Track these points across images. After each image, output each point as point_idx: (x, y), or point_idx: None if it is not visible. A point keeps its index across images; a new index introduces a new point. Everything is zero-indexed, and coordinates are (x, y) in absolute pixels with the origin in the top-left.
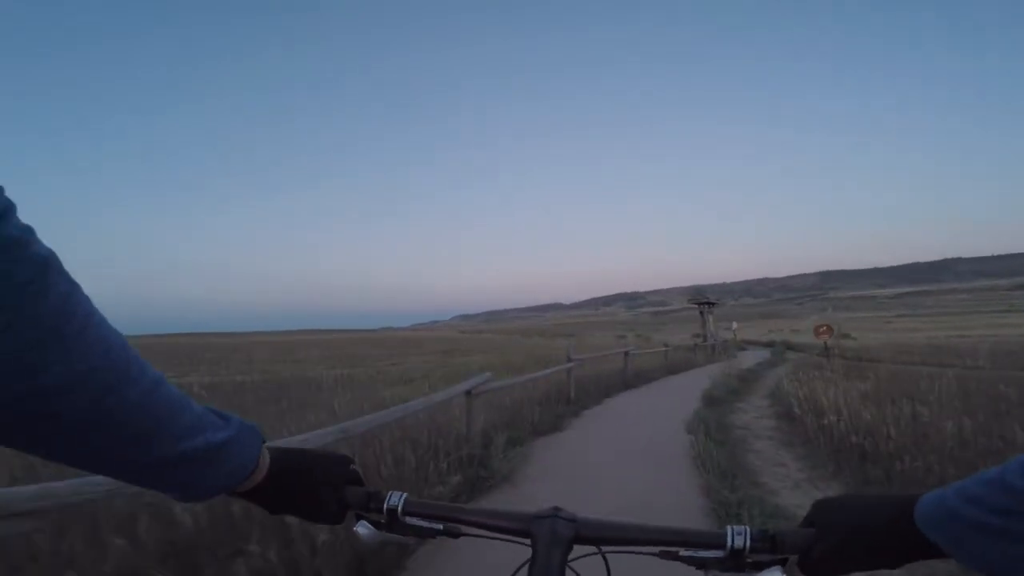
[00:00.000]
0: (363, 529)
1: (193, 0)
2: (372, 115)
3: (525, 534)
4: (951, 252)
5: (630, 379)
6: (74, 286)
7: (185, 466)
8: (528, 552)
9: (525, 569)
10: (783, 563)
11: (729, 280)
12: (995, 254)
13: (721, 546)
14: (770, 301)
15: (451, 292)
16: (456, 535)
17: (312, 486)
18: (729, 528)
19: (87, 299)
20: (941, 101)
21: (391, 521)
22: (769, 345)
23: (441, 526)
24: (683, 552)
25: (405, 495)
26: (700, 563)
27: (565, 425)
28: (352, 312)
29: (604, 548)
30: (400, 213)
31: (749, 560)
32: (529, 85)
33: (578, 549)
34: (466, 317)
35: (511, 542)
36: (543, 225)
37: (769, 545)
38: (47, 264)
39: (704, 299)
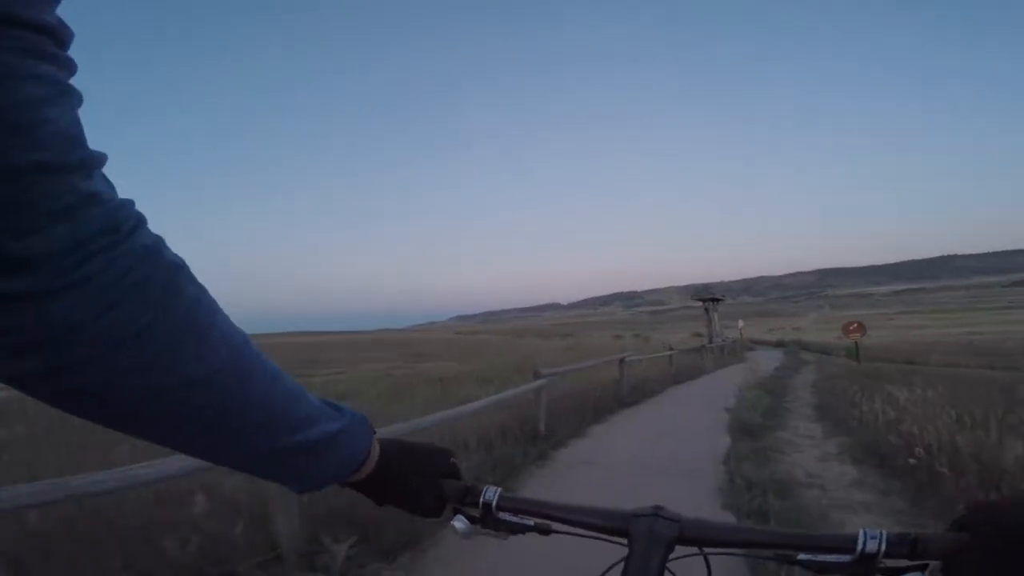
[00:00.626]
0: (459, 523)
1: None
2: (369, 114)
3: (622, 533)
4: (948, 249)
5: (626, 394)
6: (202, 289)
7: (302, 456)
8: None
9: (618, 568)
10: (923, 568)
11: (727, 279)
12: (992, 251)
13: (850, 550)
14: (768, 299)
15: (450, 292)
16: (547, 532)
17: (414, 479)
18: (862, 531)
19: (214, 300)
20: (937, 99)
21: (485, 516)
22: (779, 344)
23: (532, 523)
24: (801, 556)
25: (500, 490)
26: (821, 568)
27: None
28: (350, 313)
29: (710, 550)
30: (400, 213)
31: (881, 566)
32: (525, 83)
33: (680, 550)
34: (464, 318)
35: (606, 541)
36: (541, 225)
37: (908, 550)
38: (180, 269)
39: (709, 295)
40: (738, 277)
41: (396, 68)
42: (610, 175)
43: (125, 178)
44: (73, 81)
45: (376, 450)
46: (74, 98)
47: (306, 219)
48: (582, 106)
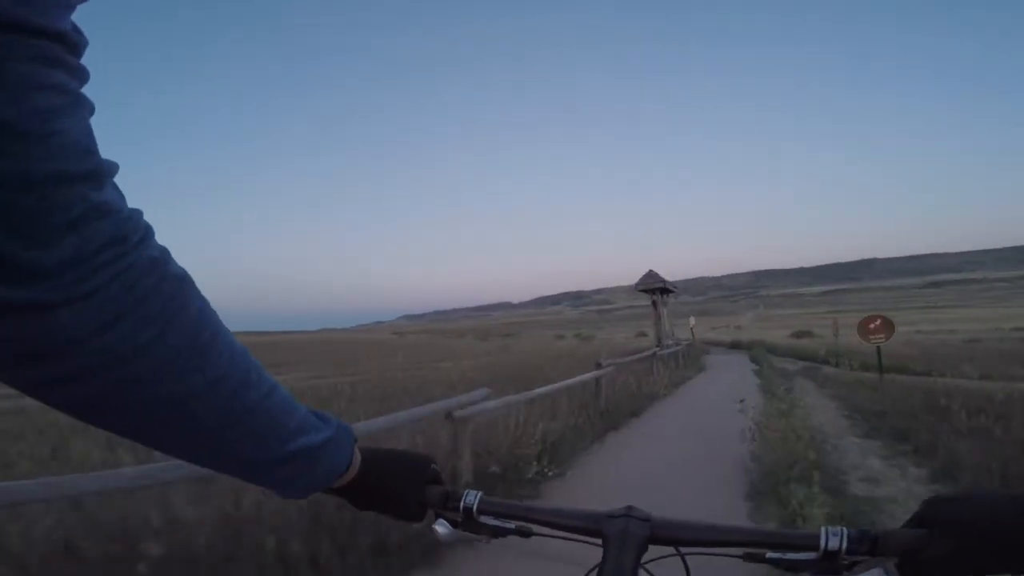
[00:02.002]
0: (441, 528)
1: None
2: (314, 106)
3: (596, 534)
4: (869, 253)
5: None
6: (205, 301)
7: (291, 465)
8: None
9: (597, 571)
10: (884, 563)
11: (670, 278)
12: (909, 255)
13: (814, 548)
14: (708, 299)
15: (398, 291)
16: (527, 535)
17: (395, 485)
18: (824, 528)
19: (215, 313)
20: (857, 112)
21: (467, 519)
22: (736, 346)
23: (513, 525)
24: (770, 554)
25: (480, 494)
26: (789, 566)
27: None
28: (293, 313)
29: (685, 549)
30: (350, 211)
31: (845, 562)
32: (477, 80)
33: (654, 550)
34: (411, 317)
35: (583, 542)
36: (493, 225)
37: (869, 546)
38: (184, 281)
39: (657, 283)
40: (680, 277)
41: (343, 61)
42: (561, 176)
43: None
44: (84, 90)
45: (358, 458)
46: (86, 107)
47: (248, 214)
48: (534, 106)
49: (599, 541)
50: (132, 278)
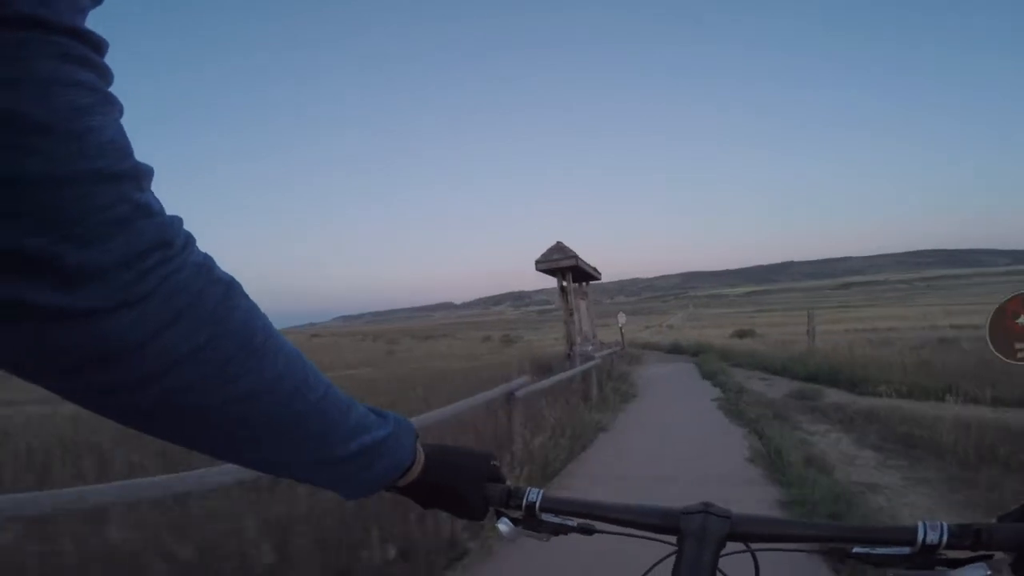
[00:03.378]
0: (504, 526)
1: None
2: (244, 100)
3: (672, 531)
4: (787, 256)
5: None
6: (254, 305)
7: (353, 464)
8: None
9: (665, 565)
10: (987, 559)
11: (605, 279)
12: (822, 258)
13: (910, 542)
14: (640, 299)
15: (335, 292)
16: (590, 532)
17: (458, 483)
18: (921, 522)
19: (265, 316)
20: (780, 123)
21: (528, 517)
22: (676, 350)
23: (575, 523)
24: (856, 549)
25: (543, 492)
26: (879, 561)
27: None
28: None
29: (761, 546)
30: (282, 208)
31: (942, 557)
32: (416, 77)
33: (730, 546)
34: (348, 318)
35: (654, 540)
36: (436, 225)
37: (972, 541)
38: (231, 285)
39: (566, 259)
40: (615, 279)
41: (270, 53)
42: (503, 177)
43: None
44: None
45: (421, 455)
46: (116, 107)
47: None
48: (475, 106)
49: (672, 539)
50: (181, 282)
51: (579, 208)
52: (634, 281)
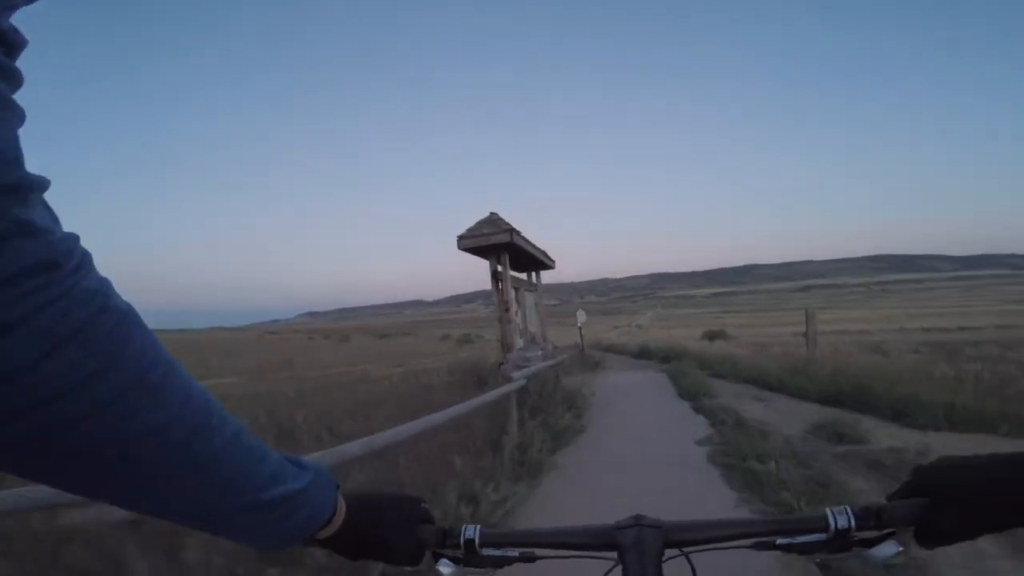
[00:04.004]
0: (444, 568)
1: None
2: (213, 93)
3: (610, 547)
4: (751, 259)
5: None
6: (152, 336)
7: (265, 515)
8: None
9: None
10: (892, 535)
11: (576, 280)
12: (784, 261)
13: (823, 529)
14: (610, 300)
15: (303, 287)
16: (532, 559)
17: (387, 529)
18: (828, 510)
19: (165, 348)
20: (741, 130)
21: (468, 554)
22: (644, 354)
23: (517, 553)
24: (780, 541)
25: (479, 527)
26: (802, 549)
27: None
28: (177, 309)
29: (695, 548)
30: (250, 202)
31: (856, 538)
32: (384, 72)
33: (668, 552)
34: (315, 314)
35: (595, 559)
36: (410, 222)
37: (875, 521)
38: (127, 314)
39: (499, 234)
40: (586, 279)
41: (244, 42)
42: (476, 174)
43: None
44: (17, 96)
45: (342, 505)
46: (15, 114)
47: (141, 204)
48: (447, 99)
49: (613, 555)
50: (65, 307)
51: (551, 206)
52: (604, 281)
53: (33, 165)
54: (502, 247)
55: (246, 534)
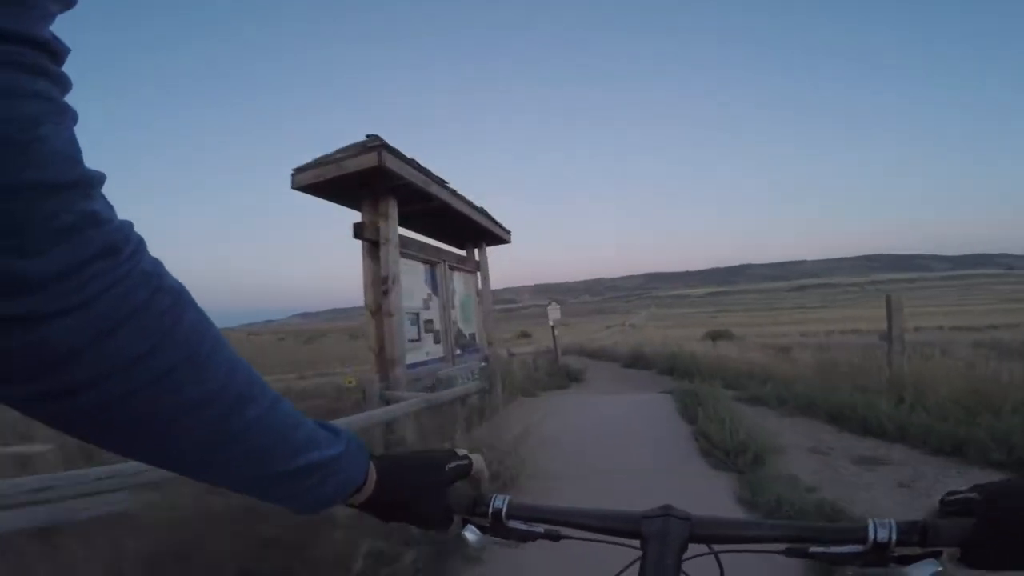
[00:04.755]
0: (470, 534)
1: None
2: (215, 84)
3: (634, 535)
4: (745, 259)
5: None
6: (202, 314)
7: (301, 480)
8: (633, 552)
9: (633, 569)
10: (937, 555)
11: (571, 279)
12: (779, 261)
13: (862, 540)
14: (604, 299)
15: (297, 288)
16: (556, 538)
17: (416, 494)
18: (871, 521)
19: (213, 324)
20: (736, 127)
21: (495, 524)
22: (638, 362)
23: (542, 529)
24: (813, 549)
25: (509, 498)
26: (835, 560)
27: None
28: None
29: (721, 547)
30: (237, 200)
31: (894, 554)
32: (382, 64)
33: (692, 548)
34: (307, 315)
35: (618, 544)
36: None
37: (920, 537)
38: (180, 293)
39: (364, 159)
40: (581, 278)
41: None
42: (468, 177)
43: None
44: (68, 99)
45: (373, 473)
46: (69, 116)
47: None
48: (433, 99)
49: (636, 542)
50: (125, 290)
51: (546, 206)
52: (599, 281)
53: None
54: (374, 178)
55: (285, 498)
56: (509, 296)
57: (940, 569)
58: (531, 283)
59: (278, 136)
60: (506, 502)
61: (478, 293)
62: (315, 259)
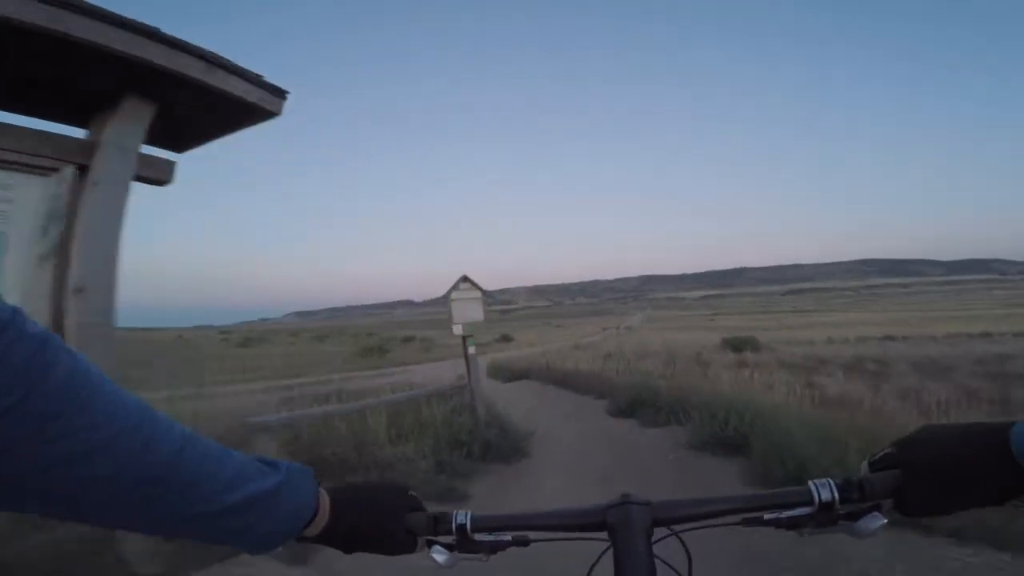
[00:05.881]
0: (439, 555)
1: None
2: None
3: (600, 527)
4: (741, 262)
5: None
6: (76, 358)
7: (238, 517)
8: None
9: (604, 563)
10: (879, 508)
11: (567, 281)
12: (774, 265)
13: (808, 502)
14: (600, 301)
15: (292, 287)
16: (526, 543)
17: (376, 521)
18: (812, 483)
19: (95, 368)
20: (730, 132)
21: (462, 540)
22: (640, 402)
23: (510, 537)
24: (768, 516)
25: (471, 512)
26: (789, 524)
27: None
28: (163, 309)
29: (684, 527)
30: (239, 198)
31: (841, 511)
32: (381, 74)
33: (657, 532)
34: (303, 314)
35: (588, 540)
36: (397, 221)
37: (859, 493)
38: (45, 340)
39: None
40: (577, 280)
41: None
42: (466, 180)
43: None
44: None
45: (326, 500)
46: None
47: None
48: (434, 102)
49: (603, 535)
50: None
51: (542, 207)
52: (595, 283)
53: None
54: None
55: (228, 537)
56: (506, 297)
57: (885, 521)
58: (528, 284)
59: None
60: (469, 516)
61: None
62: (311, 261)
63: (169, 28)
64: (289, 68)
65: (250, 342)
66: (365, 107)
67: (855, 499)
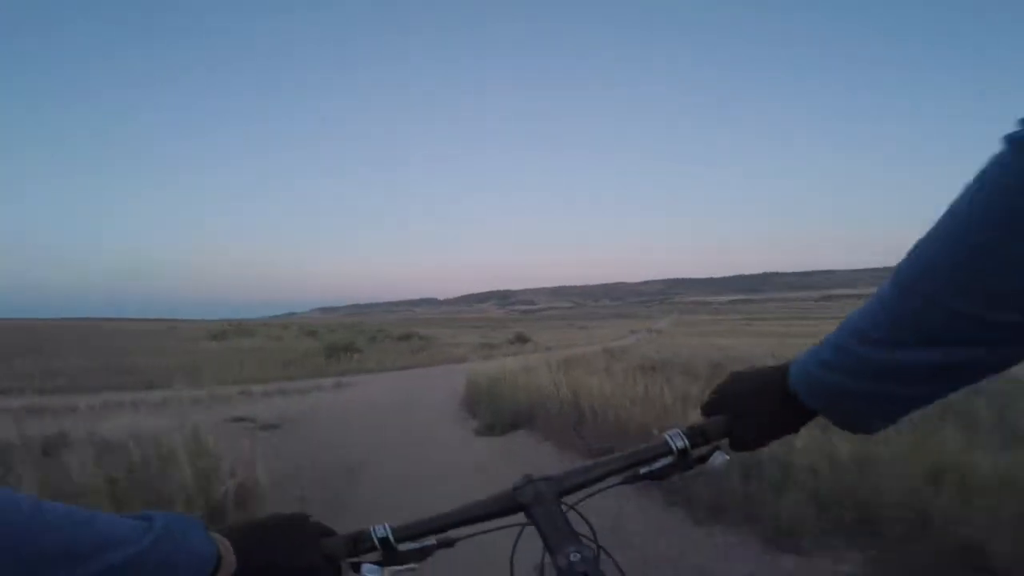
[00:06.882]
0: (370, 574)
1: None
2: (235, 86)
3: (515, 509)
4: (770, 267)
5: None
6: None
7: None
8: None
9: (529, 538)
10: (719, 448)
11: (591, 283)
12: (805, 270)
13: (669, 452)
14: (625, 304)
15: (318, 283)
16: (451, 544)
17: (292, 553)
18: (666, 434)
19: None
20: (761, 135)
21: (388, 553)
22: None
23: (434, 540)
24: (643, 471)
25: (388, 524)
26: (660, 475)
27: None
28: (197, 300)
29: (584, 496)
30: (271, 196)
31: (693, 456)
32: (405, 73)
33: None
34: (327, 309)
35: (507, 527)
36: (422, 219)
37: (702, 438)
38: None
39: None
40: (601, 282)
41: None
42: (491, 178)
43: None
44: None
45: (226, 544)
46: None
47: (171, 200)
48: (461, 103)
49: (521, 516)
50: None
51: (567, 209)
52: (619, 285)
53: None
54: None
55: None
56: (528, 297)
57: (728, 456)
58: (550, 285)
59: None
60: (388, 529)
61: None
62: (336, 257)
63: (169, 25)
64: (335, 65)
65: (226, 335)
66: (401, 110)
67: (700, 443)
